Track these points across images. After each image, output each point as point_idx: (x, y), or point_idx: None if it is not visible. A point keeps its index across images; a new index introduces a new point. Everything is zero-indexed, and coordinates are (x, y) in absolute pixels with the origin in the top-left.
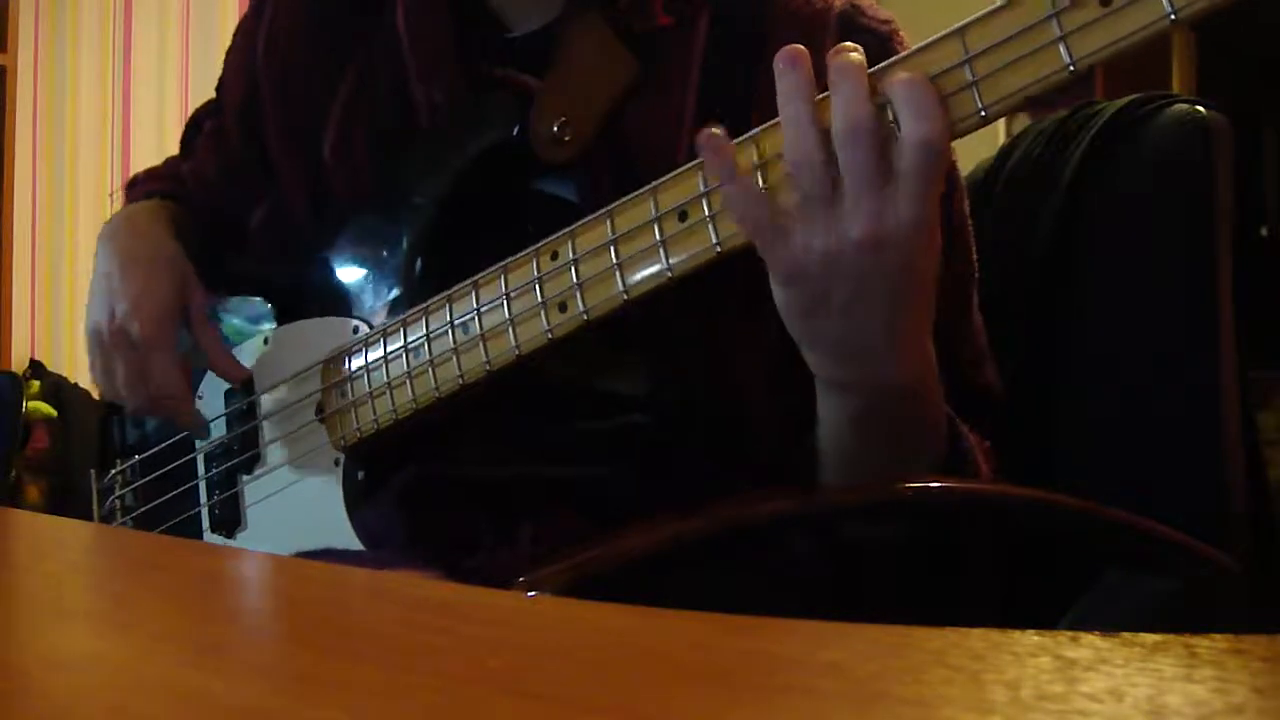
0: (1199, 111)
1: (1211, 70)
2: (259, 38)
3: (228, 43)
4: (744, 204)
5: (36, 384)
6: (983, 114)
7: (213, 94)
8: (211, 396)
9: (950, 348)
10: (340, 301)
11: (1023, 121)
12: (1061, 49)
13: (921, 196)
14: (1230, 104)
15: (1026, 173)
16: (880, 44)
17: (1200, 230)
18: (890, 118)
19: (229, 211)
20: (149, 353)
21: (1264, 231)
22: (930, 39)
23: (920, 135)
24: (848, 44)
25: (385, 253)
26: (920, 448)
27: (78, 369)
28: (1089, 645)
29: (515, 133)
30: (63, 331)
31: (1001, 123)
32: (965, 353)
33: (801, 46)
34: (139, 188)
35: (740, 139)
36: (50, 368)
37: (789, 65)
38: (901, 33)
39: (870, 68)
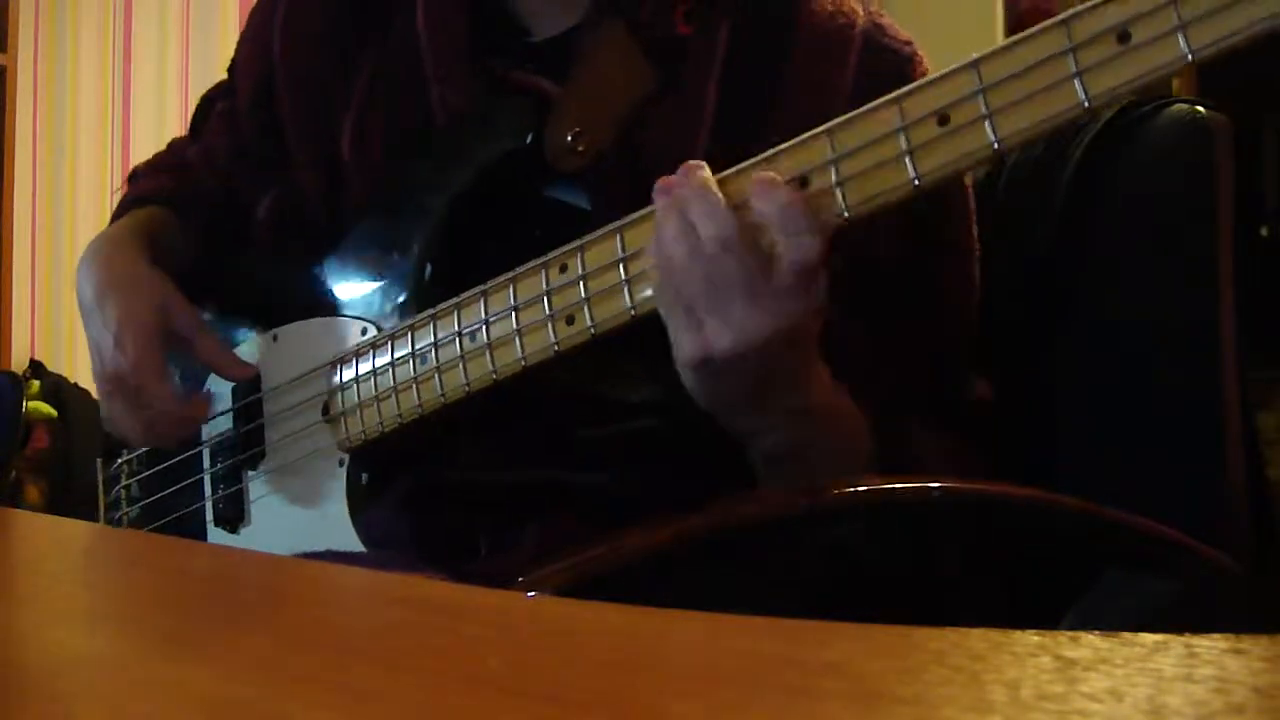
0: (1199, 111)
1: (1211, 70)
2: (274, 23)
3: (228, 43)
4: (667, 270)
5: (36, 384)
6: (996, 147)
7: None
8: (218, 391)
9: (946, 367)
10: (348, 302)
11: None
12: (1077, 85)
13: (796, 307)
14: (1230, 104)
15: (1026, 173)
16: (901, 65)
17: (1201, 230)
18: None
19: (237, 196)
20: (139, 381)
21: (1264, 231)
22: (944, 70)
23: (798, 257)
24: (692, 162)
25: (396, 254)
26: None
27: (78, 369)
28: (1089, 645)
29: (529, 140)
30: (63, 331)
31: None
32: (959, 371)
33: (673, 179)
34: (139, 182)
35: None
36: (50, 368)
37: (660, 192)
38: (921, 53)
39: (891, 90)
